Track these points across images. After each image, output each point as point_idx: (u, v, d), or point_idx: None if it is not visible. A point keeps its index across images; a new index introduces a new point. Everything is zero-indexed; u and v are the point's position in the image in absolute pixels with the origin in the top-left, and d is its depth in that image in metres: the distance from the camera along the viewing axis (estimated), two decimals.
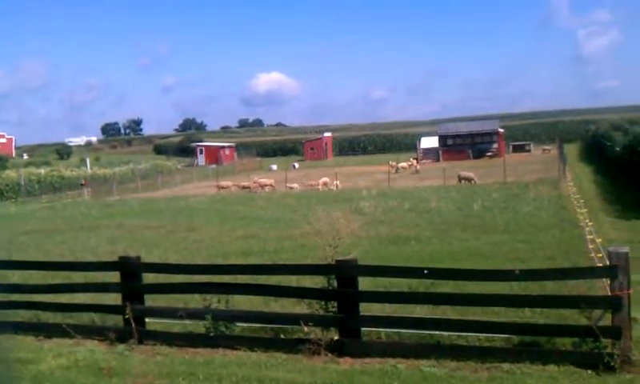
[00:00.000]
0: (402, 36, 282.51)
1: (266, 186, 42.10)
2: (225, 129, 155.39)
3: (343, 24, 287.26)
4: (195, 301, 9.20)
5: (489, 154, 63.64)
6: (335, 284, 8.02)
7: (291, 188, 39.84)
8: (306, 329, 7.91)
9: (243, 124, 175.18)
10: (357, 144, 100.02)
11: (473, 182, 35.37)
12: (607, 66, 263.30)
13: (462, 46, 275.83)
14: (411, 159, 58.76)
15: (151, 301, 9.55)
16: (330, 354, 7.65)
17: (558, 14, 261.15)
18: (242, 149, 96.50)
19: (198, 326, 8.73)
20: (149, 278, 9.97)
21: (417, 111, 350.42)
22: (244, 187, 42.10)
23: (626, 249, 6.95)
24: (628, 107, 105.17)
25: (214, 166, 75.95)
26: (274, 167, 69.59)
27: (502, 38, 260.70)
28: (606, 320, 7.00)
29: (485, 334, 7.71)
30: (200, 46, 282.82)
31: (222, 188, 42.58)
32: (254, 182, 42.93)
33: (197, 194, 41.14)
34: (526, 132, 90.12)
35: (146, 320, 9.08)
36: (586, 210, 18.57)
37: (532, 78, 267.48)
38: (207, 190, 43.85)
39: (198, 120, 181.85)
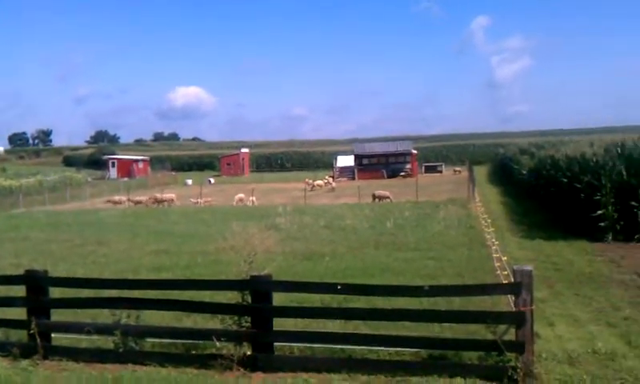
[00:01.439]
0: (322, 56, 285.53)
1: (164, 201, 41.31)
2: (139, 142, 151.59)
3: (264, 41, 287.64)
4: (104, 316, 8.91)
5: (402, 173, 65.24)
6: (249, 299, 7.99)
7: (196, 202, 39.33)
8: (218, 344, 7.83)
9: (158, 137, 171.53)
10: (274, 160, 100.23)
11: (388, 200, 36.14)
12: (518, 92, 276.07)
13: (380, 68, 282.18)
14: (327, 177, 59.36)
15: (58, 316, 9.19)
16: (242, 370, 7.61)
17: (474, 40, 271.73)
18: (156, 163, 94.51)
19: (107, 342, 8.47)
20: (55, 292, 9.60)
21: (335, 130, 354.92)
22: (137, 202, 41.15)
23: (529, 267, 7.28)
24: (536, 132, 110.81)
25: (126, 179, 74.01)
26: (190, 182, 68.62)
27: (419, 62, 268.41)
28: (510, 335, 7.30)
29: (395, 349, 7.88)
30: (116, 57, 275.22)
31: (115, 203, 41.27)
32: (149, 198, 42.08)
33: (107, 207, 39.91)
34: (438, 153, 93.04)
35: (52, 335, 8.75)
36: (493, 229, 19.31)
37: (447, 101, 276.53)
38: (110, 204, 42.24)
39: (112, 132, 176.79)
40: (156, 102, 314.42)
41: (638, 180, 18.74)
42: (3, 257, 18.51)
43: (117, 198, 42.72)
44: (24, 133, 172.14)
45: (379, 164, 67.85)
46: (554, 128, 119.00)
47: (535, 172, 32.39)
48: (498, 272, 12.43)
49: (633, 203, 18.49)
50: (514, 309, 7.41)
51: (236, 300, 8.22)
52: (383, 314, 8.05)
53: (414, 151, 70.39)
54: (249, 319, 7.95)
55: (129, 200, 41.66)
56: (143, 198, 42.03)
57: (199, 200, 40.01)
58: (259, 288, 7.87)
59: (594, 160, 20.73)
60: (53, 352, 8.45)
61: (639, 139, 22.33)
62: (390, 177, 64.18)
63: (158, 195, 42.93)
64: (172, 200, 41.74)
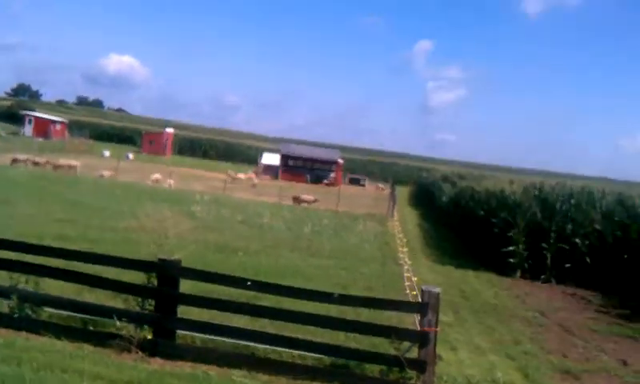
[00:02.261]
0: (263, 47, 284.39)
1: (62, 166, 39.63)
2: (61, 103, 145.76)
3: (207, 22, 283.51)
4: (2, 278, 8.41)
5: (326, 181, 65.61)
6: (155, 283, 7.73)
7: (102, 175, 38.12)
8: (118, 324, 7.55)
9: (82, 102, 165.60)
10: (199, 146, 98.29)
11: (305, 204, 36.29)
12: (449, 120, 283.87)
13: (319, 70, 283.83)
14: (250, 172, 58.95)
15: None
16: (140, 353, 7.37)
17: (415, 62, 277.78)
18: (75, 128, 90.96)
19: (2, 305, 8.01)
20: None
21: (266, 126, 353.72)
22: (35, 163, 39.26)
23: (438, 289, 7.39)
24: (461, 162, 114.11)
25: (41, 139, 70.95)
26: (107, 153, 66.38)
27: (358, 74, 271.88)
28: (413, 353, 7.37)
29: (298, 352, 7.79)
30: (52, 10, 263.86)
31: (16, 161, 39.23)
32: (47, 161, 40.39)
33: (17, 165, 38.06)
34: (364, 167, 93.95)
35: None
36: (407, 249, 19.65)
37: (378, 116, 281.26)
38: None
39: (34, 88, 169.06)
40: (86, 65, 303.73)
41: (550, 223, 19.53)
42: None
43: (20, 156, 40.59)
44: None
45: (304, 168, 67.98)
46: (479, 161, 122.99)
47: (455, 201, 33.22)
48: (407, 291, 12.61)
49: (543, 245, 19.25)
50: (419, 328, 7.49)
51: (142, 282, 7.94)
52: (291, 316, 7.95)
53: (341, 161, 70.92)
54: (153, 303, 7.70)
55: (27, 160, 39.68)
56: (42, 160, 40.15)
57: (104, 172, 38.77)
58: (167, 272, 7.65)
59: (512, 198, 21.45)
60: None
61: (557, 184, 23.29)
62: (313, 182, 64.40)
63: (61, 160, 41.18)
64: (74, 167, 40.04)
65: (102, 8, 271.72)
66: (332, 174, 67.77)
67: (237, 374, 7.07)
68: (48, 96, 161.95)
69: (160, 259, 7.79)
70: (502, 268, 19.41)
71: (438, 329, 7.30)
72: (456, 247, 25.14)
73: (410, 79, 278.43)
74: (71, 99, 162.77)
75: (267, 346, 7.82)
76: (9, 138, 66.55)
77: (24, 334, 7.63)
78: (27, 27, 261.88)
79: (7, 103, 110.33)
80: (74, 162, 41.31)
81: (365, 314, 9.47)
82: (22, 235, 14.32)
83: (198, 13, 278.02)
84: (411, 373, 7.13)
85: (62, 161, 41.28)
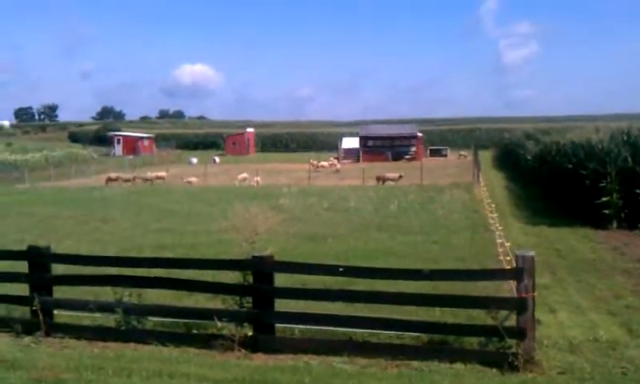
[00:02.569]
0: (328, 36, 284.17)
1: (149, 179, 41.48)
2: (144, 119, 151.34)
3: (272, 20, 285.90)
4: (106, 294, 8.92)
5: (407, 156, 64.97)
6: (251, 280, 7.99)
7: (189, 182, 39.37)
8: (219, 324, 7.83)
9: (164, 115, 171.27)
10: (279, 141, 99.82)
11: (396, 180, 36.35)
12: (525, 77, 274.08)
13: (387, 49, 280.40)
14: (332, 158, 59.27)
15: (60, 293, 9.22)
16: (243, 350, 7.61)
17: (482, 24, 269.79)
18: (161, 140, 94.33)
19: (109, 320, 8.48)
20: (59, 269, 9.63)
21: (341, 111, 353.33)
22: (126, 180, 41.27)
23: (532, 253, 7.22)
24: (542, 118, 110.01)
25: (131, 156, 74.02)
26: (194, 160, 68.50)
27: (425, 44, 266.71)
28: (512, 321, 7.28)
29: (396, 332, 7.87)
30: (124, 32, 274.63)
31: (110, 180, 41.37)
32: (135, 177, 42.39)
33: (111, 184, 39.99)
34: (443, 137, 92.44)
35: (55, 312, 8.78)
36: (496, 214, 19.26)
37: (452, 85, 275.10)
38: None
39: (117, 108, 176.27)
40: (162, 79, 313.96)
41: None
42: (8, 232, 18.60)
43: (113, 175, 42.78)
44: (30, 107, 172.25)
45: (384, 146, 67.54)
46: (560, 114, 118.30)
47: (540, 158, 32.21)
48: (501, 257, 12.41)
49: (638, 191, 18.39)
50: (515, 294, 7.38)
51: (238, 280, 8.21)
52: (384, 297, 8.03)
53: (420, 134, 70.04)
54: (250, 300, 7.94)
55: (118, 178, 41.71)
56: (130, 176, 42.13)
57: (191, 179, 40.12)
58: (261, 268, 7.86)
59: (600, 147, 20.57)
60: (55, 329, 8.48)
61: None
62: (394, 159, 63.93)
63: (149, 174, 43.13)
64: (161, 177, 41.83)
65: (168, 21, 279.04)
66: (412, 149, 67.01)
67: (337, 361, 7.22)
68: (131, 114, 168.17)
69: (253, 256, 8.01)
70: (597, 221, 18.70)
71: (535, 293, 7.15)
72: (547, 205, 24.41)
73: (481, 42, 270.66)
74: (154, 114, 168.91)
75: (364, 330, 7.93)
76: (101, 160, 69.80)
77: (132, 344, 8.00)
78: (102, 52, 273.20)
79: (95, 127, 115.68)
80: (161, 173, 43.13)
81: (459, 286, 9.41)
82: (123, 249, 15.25)
83: (260, 11, 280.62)
84: (511, 341, 7.04)
85: (150, 174, 43.10)
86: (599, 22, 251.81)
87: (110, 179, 41.28)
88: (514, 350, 6.99)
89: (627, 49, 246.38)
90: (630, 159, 19.10)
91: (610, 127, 24.23)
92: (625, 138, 20.80)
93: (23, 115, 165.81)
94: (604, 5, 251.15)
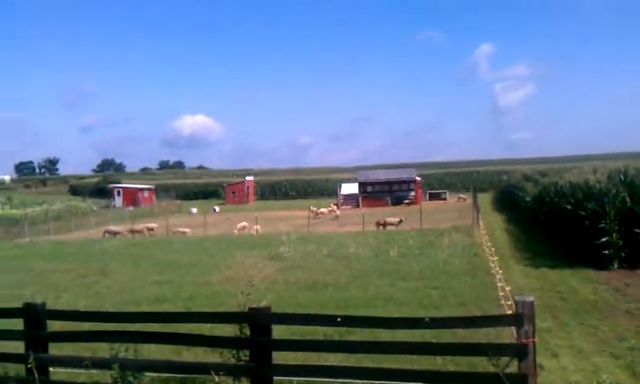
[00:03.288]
0: (328, 82, 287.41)
1: (138, 231, 41.63)
2: (145, 170, 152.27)
3: (271, 69, 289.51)
4: (103, 349, 8.80)
5: (406, 201, 65.16)
6: (248, 332, 7.88)
7: (183, 232, 39.34)
8: (216, 378, 7.70)
9: (164, 166, 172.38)
10: (278, 188, 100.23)
11: (397, 224, 36.39)
12: (521, 119, 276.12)
13: (384, 95, 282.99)
14: (331, 205, 59.32)
15: (57, 349, 9.10)
16: None
17: (478, 67, 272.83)
18: (161, 191, 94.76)
19: (105, 376, 8.34)
20: (55, 325, 9.52)
21: (340, 158, 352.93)
22: (115, 233, 41.23)
23: (531, 298, 7.12)
24: (540, 159, 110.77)
25: (131, 208, 74.12)
26: (194, 210, 68.63)
27: (422, 89, 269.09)
28: (513, 367, 7.15)
29: (397, 382, 7.73)
30: (123, 85, 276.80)
31: (112, 233, 41.43)
32: (125, 229, 42.40)
33: (109, 237, 39.95)
34: (441, 181, 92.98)
35: (50, 369, 8.63)
36: (497, 257, 19.18)
37: (450, 128, 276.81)
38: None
39: (118, 161, 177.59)
40: (162, 131, 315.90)
41: None
42: (6, 287, 18.50)
43: (113, 228, 42.86)
44: (30, 161, 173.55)
45: (383, 191, 67.84)
46: (557, 155, 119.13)
47: (539, 199, 32.28)
48: (502, 302, 12.30)
49: (637, 230, 18.37)
50: (516, 341, 7.28)
51: (235, 333, 8.11)
52: (385, 347, 7.90)
53: (418, 178, 70.41)
54: (247, 352, 7.82)
55: (106, 231, 41.71)
56: (120, 229, 42.11)
57: (183, 229, 40.17)
58: (257, 320, 7.75)
59: (598, 187, 20.64)
60: None
61: None
62: (394, 204, 64.10)
63: (137, 226, 43.26)
64: (152, 229, 41.93)
65: (169, 73, 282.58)
66: (412, 193, 67.28)
67: None
68: (131, 166, 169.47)
69: (250, 308, 7.92)
70: (598, 261, 18.62)
71: (536, 339, 7.05)
72: (547, 247, 24.33)
73: (477, 85, 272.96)
74: (154, 165, 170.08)
75: (365, 381, 7.79)
76: (101, 212, 69.83)
77: None
78: (102, 105, 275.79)
79: (95, 180, 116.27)
80: (151, 225, 43.16)
81: (461, 332, 9.32)
82: (122, 302, 15.14)
83: (260, 61, 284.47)
84: None
85: (139, 226, 43.14)
86: (593, 63, 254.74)
87: (107, 232, 41.31)
88: None
89: (622, 89, 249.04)
90: (628, 199, 19.11)
91: (607, 167, 24.38)
92: (622, 177, 20.88)
93: (24, 169, 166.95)
94: (598, 45, 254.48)
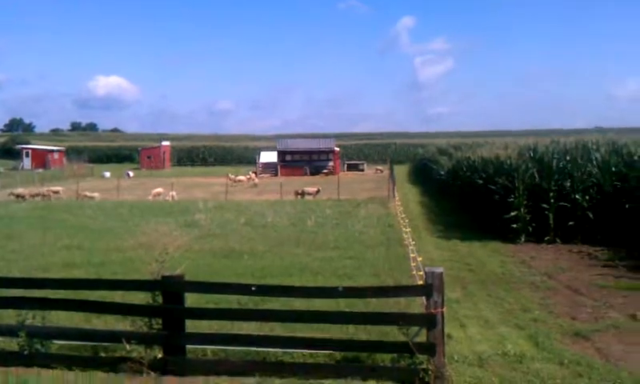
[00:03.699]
0: (248, 49, 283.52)
1: (43, 194, 39.53)
2: (55, 131, 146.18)
3: (189, 30, 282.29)
4: (9, 316, 8.47)
5: (325, 171, 65.60)
6: (160, 300, 7.77)
7: (91, 197, 38.15)
8: (128, 347, 7.57)
9: (76, 127, 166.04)
10: (196, 155, 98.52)
11: (315, 194, 36.55)
12: (439, 93, 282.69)
13: (306, 64, 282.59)
14: (250, 172, 58.96)
15: None
16: (152, 373, 7.38)
17: (399, 40, 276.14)
18: (73, 154, 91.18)
19: (11, 343, 8.06)
20: None
21: (260, 126, 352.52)
22: (18, 195, 39.05)
23: (440, 269, 7.35)
24: (455, 133, 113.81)
25: (40, 170, 71.08)
26: (107, 174, 66.63)
27: (344, 60, 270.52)
28: (422, 336, 7.39)
29: (310, 351, 7.84)
30: (35, 43, 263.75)
31: (16, 195, 39.35)
32: (29, 191, 40.50)
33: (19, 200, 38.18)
34: (360, 152, 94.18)
35: None
36: (410, 229, 19.65)
37: (370, 100, 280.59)
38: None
39: (27, 120, 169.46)
40: (75, 91, 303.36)
41: (548, 183, 19.52)
42: None
43: (16, 190, 40.67)
44: None
45: (302, 161, 67.94)
46: (472, 130, 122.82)
47: (453, 173, 33.24)
48: (414, 272, 12.63)
49: (544, 205, 19.24)
50: (425, 310, 7.51)
51: (148, 301, 7.98)
52: (298, 316, 7.99)
53: (337, 149, 70.89)
54: (160, 321, 7.73)
55: (11, 193, 39.74)
56: (25, 191, 40.30)
57: (91, 194, 38.82)
58: (170, 288, 7.67)
59: (508, 162, 21.43)
60: None
61: (551, 143, 23.29)
62: (312, 174, 64.40)
63: (41, 189, 41.28)
64: (57, 192, 40.24)
65: (82, 31, 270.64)
66: (330, 163, 67.72)
67: (250, 382, 7.10)
68: (42, 127, 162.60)
69: (163, 276, 7.81)
70: (507, 235, 19.43)
71: (444, 309, 7.29)
72: (459, 220, 25.16)
73: (397, 58, 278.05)
74: (65, 126, 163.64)
75: (278, 349, 7.87)
76: (8, 173, 66.60)
77: (35, 369, 7.62)
78: (13, 62, 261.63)
79: (2, 139, 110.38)
80: (56, 188, 41.44)
81: (373, 302, 9.52)
82: (30, 268, 14.56)
83: (178, 22, 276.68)
84: (422, 357, 7.13)
85: (43, 189, 41.26)
86: (510, 40, 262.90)
87: (12, 194, 39.20)
88: (424, 365, 7.07)
89: (535, 67, 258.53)
90: (536, 175, 19.96)
91: (517, 144, 25.31)
92: (532, 154, 21.75)
93: None
94: (516, 22, 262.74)
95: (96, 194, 38.65)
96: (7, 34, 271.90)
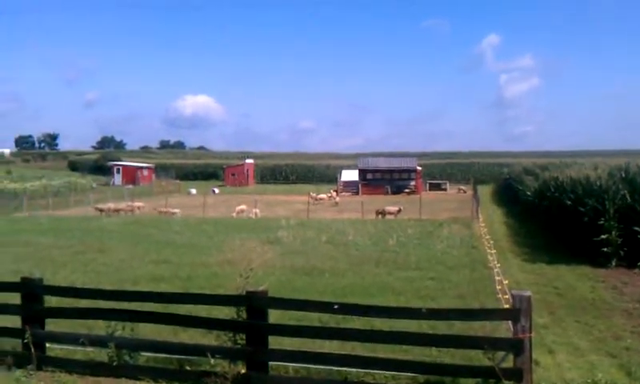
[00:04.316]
0: (330, 69, 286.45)
1: (120, 210, 41.31)
2: (145, 149, 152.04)
3: (275, 53, 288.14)
4: (100, 327, 8.81)
5: (406, 190, 65.03)
6: (245, 315, 7.88)
7: (173, 213, 39.21)
8: (212, 361, 7.72)
9: (164, 145, 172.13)
10: (279, 172, 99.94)
11: (396, 214, 36.34)
12: (524, 112, 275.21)
13: (388, 82, 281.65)
14: (331, 191, 59.23)
15: (53, 325, 9.12)
16: None
17: (484, 57, 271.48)
18: (161, 171, 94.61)
19: (101, 354, 8.38)
20: (52, 301, 9.54)
21: (341, 144, 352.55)
22: (100, 210, 40.64)
23: (528, 293, 7.12)
24: (541, 152, 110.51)
25: (130, 186, 74.08)
26: (194, 191, 68.59)
27: (426, 78, 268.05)
28: (509, 362, 7.16)
29: (392, 372, 7.74)
30: (126, 63, 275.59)
31: (101, 210, 41.13)
32: (108, 207, 42.15)
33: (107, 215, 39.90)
34: (443, 171, 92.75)
35: (47, 345, 8.66)
36: (495, 251, 19.18)
37: (453, 118, 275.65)
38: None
39: (118, 138, 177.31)
40: (164, 110, 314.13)
41: None
42: (4, 262, 18.45)
43: (100, 205, 42.69)
44: (30, 136, 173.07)
45: (383, 179, 67.65)
46: (559, 149, 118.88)
47: (539, 193, 32.21)
48: (500, 295, 12.32)
49: (636, 229, 18.33)
50: (512, 335, 7.27)
51: (232, 316, 8.11)
52: (381, 336, 7.94)
53: (419, 167, 70.19)
54: (244, 336, 7.83)
55: (94, 207, 41.65)
56: (104, 207, 41.99)
57: (168, 210, 40.02)
58: (254, 304, 7.76)
59: (598, 184, 20.57)
60: (47, 362, 8.36)
61: None
62: (394, 193, 63.98)
63: (121, 204, 43.24)
64: (139, 208, 41.89)
65: (172, 53, 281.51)
66: (412, 182, 67.06)
67: None
68: (131, 144, 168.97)
69: (247, 292, 7.92)
70: (596, 258, 18.55)
71: (532, 334, 7.05)
72: (546, 242, 24.31)
73: (482, 76, 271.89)
74: (154, 144, 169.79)
75: (360, 370, 7.81)
76: (100, 189, 69.77)
77: (123, 380, 7.89)
78: (105, 81, 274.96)
79: (94, 156, 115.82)
80: (137, 204, 43.12)
81: (457, 325, 9.32)
82: (120, 280, 15.14)
83: (263, 43, 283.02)
84: (508, 383, 6.93)
85: (123, 205, 43.08)
86: (598, 57, 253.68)
87: (97, 208, 41.15)
88: None
89: (626, 85, 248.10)
90: (628, 196, 19.07)
91: (608, 164, 24.29)
92: (623, 174, 20.81)
93: (24, 143, 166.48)
94: (603, 40, 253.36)
95: (177, 210, 39.82)
96: (100, 53, 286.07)
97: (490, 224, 30.90)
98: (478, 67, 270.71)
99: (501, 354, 7.31)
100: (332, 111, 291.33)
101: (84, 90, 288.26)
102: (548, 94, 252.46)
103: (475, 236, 25.11)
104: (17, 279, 9.01)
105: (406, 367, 7.63)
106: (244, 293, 7.93)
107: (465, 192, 62.66)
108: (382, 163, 71.25)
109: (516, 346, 6.99)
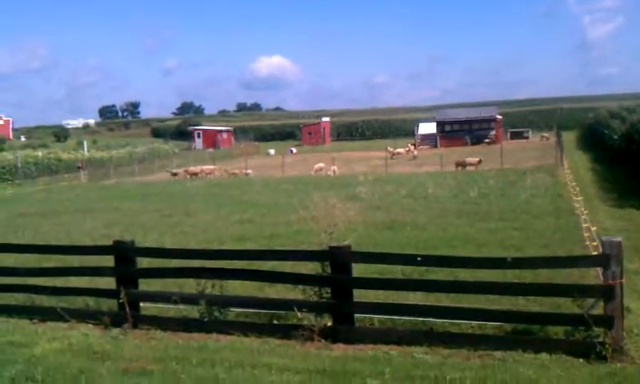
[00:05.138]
0: (405, 21, 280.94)
1: (196, 173, 42.67)
2: (222, 113, 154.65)
3: (347, 7, 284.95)
4: (190, 285, 9.17)
5: (487, 140, 63.59)
6: (329, 270, 8.02)
7: (247, 174, 39.81)
8: (299, 315, 7.91)
9: (241, 108, 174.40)
10: (355, 129, 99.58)
11: (476, 165, 35.73)
12: (609, 53, 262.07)
13: (464, 31, 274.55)
14: (409, 145, 58.66)
15: (146, 285, 9.55)
16: (323, 341, 7.66)
17: (565, 1, 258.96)
18: (239, 133, 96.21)
19: (192, 311, 8.71)
20: (144, 262, 9.97)
21: (417, 97, 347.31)
22: (174, 174, 42.46)
23: (619, 238, 6.91)
24: (627, 95, 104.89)
25: (211, 150, 75.84)
26: (272, 152, 69.59)
27: (505, 25, 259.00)
28: (599, 309, 7.00)
29: (477, 322, 7.72)
30: (204, 29, 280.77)
31: (174, 174, 42.80)
32: (184, 171, 43.70)
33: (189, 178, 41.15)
34: (524, 119, 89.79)
35: (141, 304, 9.08)
36: (581, 198, 18.54)
37: (533, 65, 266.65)
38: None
39: (197, 103, 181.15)
40: (240, 73, 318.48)
41: None
42: (95, 227, 19.40)
43: (175, 170, 44.40)
44: (113, 105, 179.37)
45: (462, 131, 66.30)
46: None
47: (627, 137, 30.78)
48: (587, 243, 11.97)
49: None
50: (602, 282, 7.10)
51: (317, 271, 8.26)
52: (466, 287, 7.91)
53: (499, 117, 68.25)
54: (329, 290, 7.97)
55: (167, 172, 43.47)
56: (179, 171, 43.23)
57: (243, 171, 40.70)
58: (338, 259, 7.87)
59: None
60: (141, 321, 8.77)
61: None
62: (473, 144, 62.70)
63: (192, 168, 44.67)
64: (211, 172, 42.99)
65: (245, 15, 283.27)
66: (492, 132, 65.38)
67: (417, 351, 7.15)
68: (210, 109, 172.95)
69: (330, 247, 8.03)
70: None
71: (623, 280, 6.85)
72: (635, 186, 23.26)
73: (563, 19, 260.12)
74: (231, 107, 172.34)
75: (445, 320, 7.82)
76: (182, 154, 71.78)
77: (214, 335, 8.17)
78: (183, 48, 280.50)
79: (175, 122, 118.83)
80: (211, 167, 44.32)
81: (543, 274, 9.14)
82: (206, 240, 15.63)
83: (336, 1, 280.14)
84: (598, 330, 6.77)
85: (198, 168, 44.72)
86: None
87: (173, 174, 42.97)
88: (601, 339, 6.71)
89: None
90: None
91: None
92: None
93: (107, 113, 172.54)
94: None
95: (250, 171, 40.57)
96: (179, 21, 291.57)
97: (575, 171, 29.88)
98: (558, 11, 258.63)
99: (590, 301, 7.16)
100: (407, 63, 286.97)
101: (163, 59, 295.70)
102: (634, 34, 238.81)
103: (560, 183, 24.35)
104: (109, 243, 9.44)
105: (493, 317, 7.59)
106: (327, 248, 8.05)
107: (548, 139, 60.60)
108: (461, 114, 69.82)
109: (607, 293, 6.82)
